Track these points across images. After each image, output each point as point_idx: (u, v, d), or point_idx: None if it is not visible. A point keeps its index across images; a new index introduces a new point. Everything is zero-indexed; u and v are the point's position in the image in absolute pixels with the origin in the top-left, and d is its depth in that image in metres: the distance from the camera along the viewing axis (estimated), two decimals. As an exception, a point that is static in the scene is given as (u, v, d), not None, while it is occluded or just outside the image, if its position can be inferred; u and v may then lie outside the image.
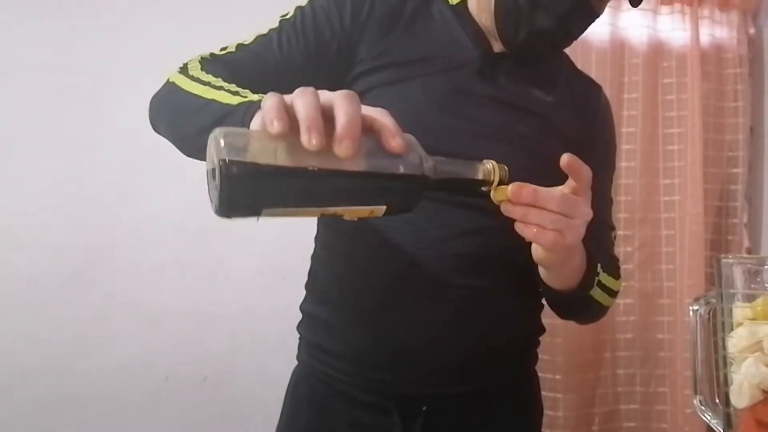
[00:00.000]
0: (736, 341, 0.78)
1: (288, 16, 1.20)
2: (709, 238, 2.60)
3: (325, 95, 0.70)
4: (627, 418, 2.59)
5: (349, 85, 1.16)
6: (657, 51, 2.62)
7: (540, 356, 2.52)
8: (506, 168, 0.84)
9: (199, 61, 1.13)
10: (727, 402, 0.80)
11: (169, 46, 2.59)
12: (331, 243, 1.25)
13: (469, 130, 1.15)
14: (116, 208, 2.47)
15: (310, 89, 0.70)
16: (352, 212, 0.76)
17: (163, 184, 2.50)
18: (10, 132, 2.48)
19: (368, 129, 0.72)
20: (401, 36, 1.19)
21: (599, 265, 1.13)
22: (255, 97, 0.91)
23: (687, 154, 2.56)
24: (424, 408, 1.16)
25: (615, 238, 1.33)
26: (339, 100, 0.69)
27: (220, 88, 0.99)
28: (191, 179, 2.52)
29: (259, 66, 1.15)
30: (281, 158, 0.67)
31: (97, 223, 2.46)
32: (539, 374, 2.38)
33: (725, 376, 0.80)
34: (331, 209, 0.73)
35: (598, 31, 2.57)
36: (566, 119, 1.23)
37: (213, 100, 0.96)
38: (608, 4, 1.21)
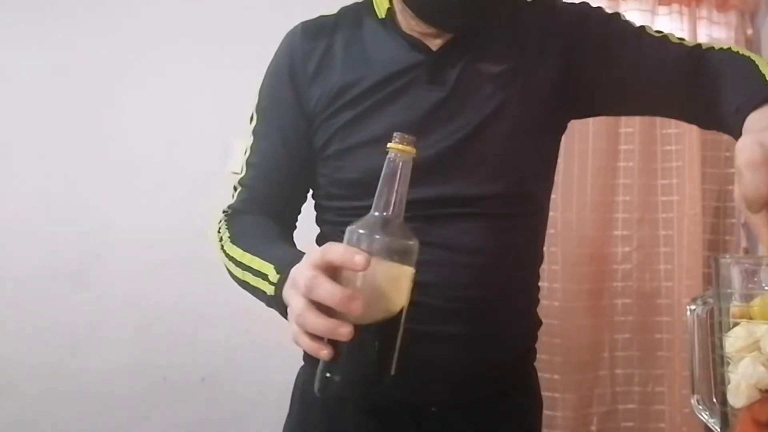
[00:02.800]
0: (733, 341, 0.78)
1: (253, 124, 1.29)
2: (707, 239, 2.60)
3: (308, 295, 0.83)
4: (625, 418, 2.59)
5: (316, 131, 1.22)
6: (655, 51, 2.61)
7: (538, 356, 2.53)
8: (403, 135, 0.88)
9: (226, 224, 1.21)
10: (724, 401, 0.79)
11: (167, 49, 2.60)
12: None
13: (433, 140, 1.16)
14: (112, 210, 2.48)
15: (297, 310, 0.85)
16: (407, 294, 0.87)
17: (158, 185, 2.51)
18: (5, 134, 2.48)
19: (334, 267, 0.83)
20: (344, 69, 1.21)
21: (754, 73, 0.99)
22: (266, 271, 1.03)
23: (685, 154, 2.56)
24: (433, 410, 1.17)
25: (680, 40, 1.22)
26: (312, 294, 0.83)
27: (245, 266, 1.09)
28: (187, 181, 2.53)
29: (274, 162, 1.26)
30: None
31: (94, 225, 2.46)
32: (537, 374, 2.38)
33: (722, 375, 0.80)
34: (399, 310, 0.86)
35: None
36: (523, 73, 1.20)
37: (253, 286, 1.07)
38: (606, 4, 1.21)
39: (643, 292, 2.59)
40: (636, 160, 2.58)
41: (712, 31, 2.66)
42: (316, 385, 0.87)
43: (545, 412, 2.50)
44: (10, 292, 2.41)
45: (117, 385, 2.41)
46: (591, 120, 2.53)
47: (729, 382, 0.78)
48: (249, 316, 2.44)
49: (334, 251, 0.83)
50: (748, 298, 0.79)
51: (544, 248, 2.39)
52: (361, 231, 0.85)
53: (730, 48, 1.11)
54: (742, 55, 1.07)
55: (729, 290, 0.80)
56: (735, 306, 0.80)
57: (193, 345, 2.47)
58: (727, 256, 0.80)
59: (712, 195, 2.64)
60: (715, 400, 0.84)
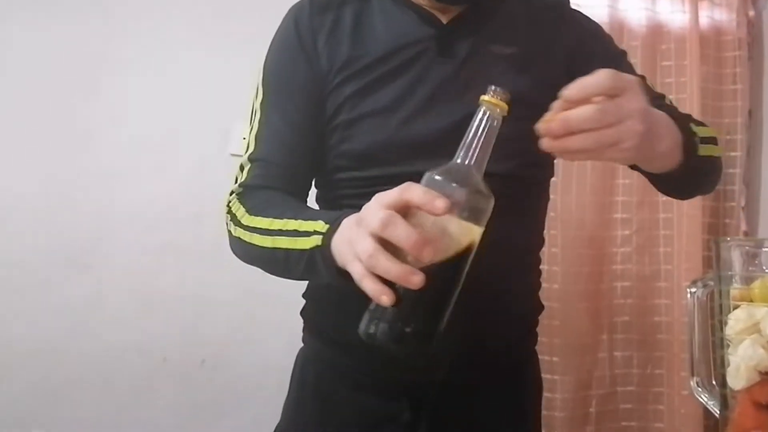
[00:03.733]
0: (733, 323, 0.78)
1: (259, 99, 1.26)
2: (706, 222, 2.60)
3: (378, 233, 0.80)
4: (624, 400, 2.60)
5: (326, 98, 1.21)
6: (656, 33, 2.61)
7: (538, 338, 2.53)
8: (498, 89, 0.86)
9: (239, 201, 1.17)
10: (723, 384, 0.80)
11: (166, 31, 2.59)
12: None
13: (442, 113, 1.15)
14: (112, 192, 2.47)
15: (362, 247, 0.81)
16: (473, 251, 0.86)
17: (158, 168, 2.50)
18: (5, 116, 2.47)
19: (407, 209, 0.81)
20: (353, 41, 1.20)
21: (689, 124, 1.10)
22: (311, 227, 0.99)
23: (685, 137, 2.55)
24: (432, 392, 1.17)
25: (671, 101, 1.30)
26: (386, 232, 0.80)
27: (279, 231, 1.05)
28: (187, 163, 2.52)
29: (289, 135, 1.23)
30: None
31: (93, 207, 2.46)
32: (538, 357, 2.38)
33: (722, 358, 0.80)
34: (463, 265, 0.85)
35: (597, 13, 2.55)
36: (534, 60, 1.22)
37: (287, 249, 1.02)
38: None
39: (643, 275, 2.59)
40: (636, 143, 2.57)
41: (714, 13, 2.65)
42: (362, 330, 0.85)
43: (545, 394, 2.52)
44: (10, 274, 2.41)
45: (117, 367, 2.41)
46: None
47: (729, 365, 0.79)
48: (249, 299, 2.44)
49: (415, 191, 0.80)
50: (748, 280, 0.80)
51: (545, 231, 2.39)
52: (438, 177, 0.83)
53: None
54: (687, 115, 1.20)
55: (730, 273, 0.80)
56: (735, 288, 0.80)
57: (193, 327, 2.47)
58: (728, 239, 0.80)
59: (713, 178, 2.64)
60: (714, 382, 0.85)
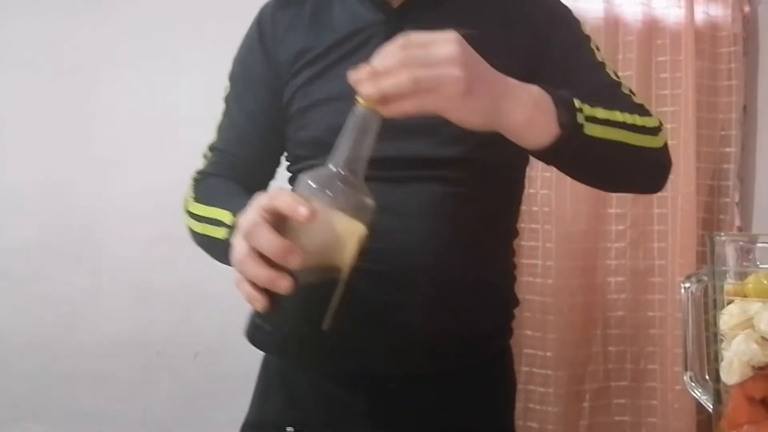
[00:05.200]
0: (727, 318, 0.78)
1: (226, 92, 1.32)
2: (700, 217, 2.60)
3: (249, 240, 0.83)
4: (617, 395, 2.61)
5: (284, 89, 1.23)
6: (651, 28, 2.61)
7: (531, 333, 2.55)
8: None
9: (192, 188, 1.24)
10: (717, 379, 0.80)
11: (163, 25, 2.58)
12: None
13: None
14: (106, 184, 2.47)
15: (240, 257, 0.84)
16: (352, 254, 0.85)
17: (154, 159, 2.50)
18: (0, 108, 2.46)
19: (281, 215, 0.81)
20: (309, 32, 1.21)
21: (580, 101, 0.99)
22: (222, 218, 1.06)
23: (680, 132, 2.55)
24: (392, 385, 1.15)
25: (630, 91, 1.23)
26: (250, 241, 0.82)
27: (205, 219, 1.12)
28: (182, 154, 2.51)
29: (246, 127, 1.28)
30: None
31: (87, 199, 2.46)
32: (530, 351, 2.39)
33: (716, 353, 0.80)
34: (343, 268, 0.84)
35: (592, 7, 2.56)
36: (490, 44, 1.15)
37: (209, 237, 1.10)
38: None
39: (637, 270, 2.60)
40: (631, 138, 2.57)
41: (709, 9, 2.64)
42: (246, 330, 0.87)
43: (537, 388, 2.53)
44: (3, 266, 2.41)
45: (111, 360, 2.41)
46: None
47: (722, 360, 0.79)
48: (243, 292, 2.44)
49: (281, 198, 0.81)
50: (742, 275, 0.80)
51: (539, 226, 2.38)
52: (311, 182, 0.82)
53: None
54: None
55: (723, 268, 0.80)
56: (729, 284, 0.80)
57: (187, 320, 2.47)
58: (723, 235, 0.80)
59: (707, 174, 2.64)
60: (707, 377, 0.85)
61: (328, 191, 0.81)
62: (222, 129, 1.31)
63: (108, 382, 2.42)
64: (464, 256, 1.15)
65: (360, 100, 0.83)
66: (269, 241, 0.80)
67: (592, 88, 1.09)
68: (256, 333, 0.91)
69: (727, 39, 2.65)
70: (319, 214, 0.79)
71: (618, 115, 1.05)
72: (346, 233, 0.83)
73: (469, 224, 1.16)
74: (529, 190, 2.53)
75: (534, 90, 0.93)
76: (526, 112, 0.91)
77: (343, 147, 0.83)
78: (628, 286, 2.60)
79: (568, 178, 2.55)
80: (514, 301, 1.31)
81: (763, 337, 0.75)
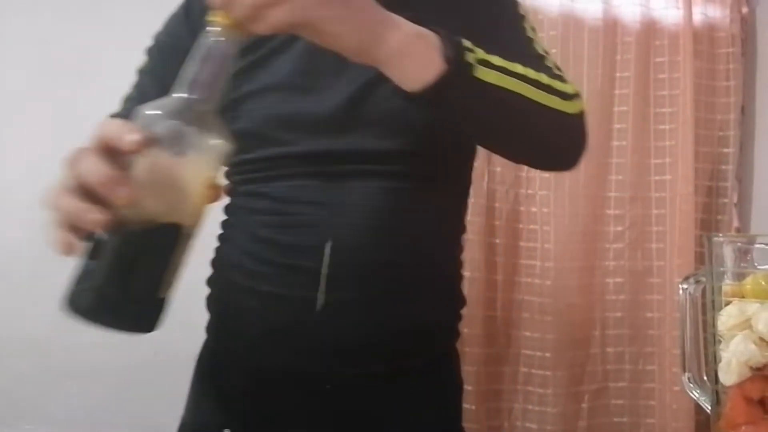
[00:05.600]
0: (725, 319, 0.78)
1: (140, 65, 1.25)
2: (699, 218, 2.60)
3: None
4: (615, 396, 2.60)
5: None
6: (650, 29, 2.61)
7: (529, 334, 2.55)
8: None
9: None
10: (715, 379, 0.80)
11: (157, 22, 2.58)
12: (232, 223, 1.23)
13: (332, 88, 1.09)
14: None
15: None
16: (201, 198, 0.73)
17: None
18: (-1, 107, 2.46)
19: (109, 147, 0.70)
20: None
21: (467, 41, 0.89)
22: None
23: (678, 133, 2.56)
24: (329, 386, 1.11)
25: (557, 67, 1.12)
26: (77, 166, 0.71)
27: None
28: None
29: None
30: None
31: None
32: (529, 352, 2.39)
33: (714, 353, 0.80)
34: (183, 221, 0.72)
35: (590, 8, 2.56)
36: (428, 25, 1.08)
37: None
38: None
39: (635, 270, 2.60)
40: (629, 138, 2.58)
41: (707, 10, 2.65)
42: (66, 296, 0.72)
43: (536, 389, 2.53)
44: (0, 266, 2.41)
45: (107, 360, 2.41)
46: (584, 97, 2.52)
47: (720, 360, 0.79)
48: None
49: (109, 126, 0.70)
50: (740, 276, 0.80)
51: (537, 226, 2.37)
52: (151, 111, 0.69)
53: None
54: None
55: (722, 269, 0.80)
56: (727, 284, 0.80)
57: (185, 321, 2.46)
58: (721, 235, 0.80)
59: (705, 174, 2.64)
60: (705, 377, 0.85)
61: (169, 121, 0.68)
62: (127, 99, 1.22)
63: (104, 383, 2.42)
64: (406, 254, 1.11)
65: (213, 19, 0.73)
66: (95, 167, 0.68)
67: (516, 55, 1.00)
68: (73, 298, 0.78)
69: (726, 40, 2.65)
70: (153, 145, 0.66)
71: (520, 68, 0.95)
72: (190, 175, 0.70)
73: (412, 220, 1.12)
74: (527, 191, 2.55)
75: (415, 25, 0.86)
76: (405, 39, 0.84)
77: (192, 72, 0.72)
78: (627, 287, 2.60)
79: (567, 179, 2.56)
80: (461, 300, 1.26)
81: (761, 338, 0.76)
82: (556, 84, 1.01)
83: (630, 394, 2.60)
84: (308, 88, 1.11)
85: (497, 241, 2.54)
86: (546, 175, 2.53)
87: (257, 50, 1.13)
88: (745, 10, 2.68)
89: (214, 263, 1.28)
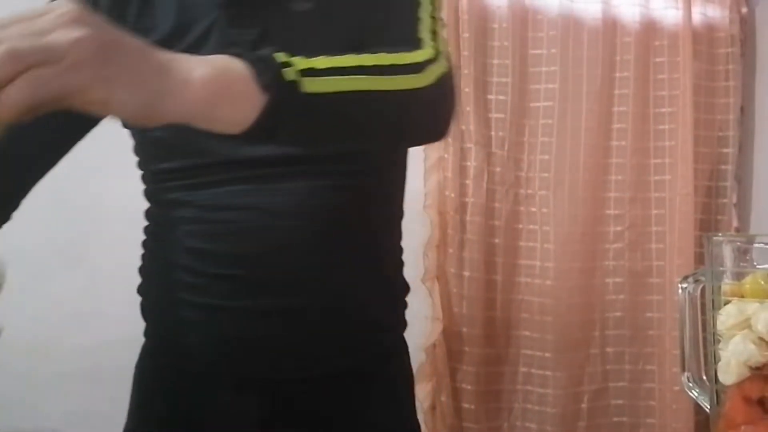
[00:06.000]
0: (724, 319, 0.78)
1: None
2: (698, 218, 2.61)
3: None
4: (615, 396, 2.61)
5: None
6: (649, 30, 2.61)
7: (529, 334, 2.55)
8: None
9: None
10: (714, 379, 0.80)
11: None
12: (157, 232, 1.20)
13: None
14: (103, 186, 2.46)
15: None
16: None
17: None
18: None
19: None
20: (140, 14, 1.04)
21: (280, 54, 0.76)
22: None
23: (678, 133, 2.56)
24: (274, 391, 1.09)
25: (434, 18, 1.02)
26: None
27: None
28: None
29: None
30: None
31: (84, 201, 2.45)
32: (529, 352, 2.39)
33: (713, 353, 0.80)
34: None
35: (590, 8, 2.56)
36: (333, 14, 1.02)
37: None
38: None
39: (635, 271, 2.60)
40: (629, 139, 2.58)
41: (707, 10, 2.65)
42: None
43: (536, 389, 2.53)
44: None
45: (108, 361, 2.40)
46: (584, 98, 2.53)
47: (719, 360, 0.79)
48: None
49: None
50: (739, 276, 0.80)
51: (537, 227, 2.36)
52: None
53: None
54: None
55: (721, 268, 0.80)
56: (727, 284, 0.80)
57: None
58: (720, 235, 0.80)
59: (705, 174, 2.65)
60: (705, 377, 0.85)
61: None
62: None
63: (104, 383, 2.41)
64: (341, 252, 1.07)
65: None
66: None
67: (392, 39, 0.93)
68: None
69: (725, 40, 2.65)
70: None
71: (353, 59, 0.83)
72: None
73: (345, 217, 1.07)
74: (527, 191, 2.55)
75: (212, 60, 0.72)
76: (205, 83, 0.69)
77: None
78: (627, 287, 2.60)
79: (566, 179, 2.56)
80: (404, 289, 1.22)
81: (760, 338, 0.76)
82: (403, 58, 0.88)
83: (630, 395, 2.61)
84: None
85: (497, 241, 2.54)
86: (545, 174, 2.53)
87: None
88: (744, 10, 2.68)
89: (143, 272, 1.24)
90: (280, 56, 0.75)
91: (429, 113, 0.95)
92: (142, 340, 1.30)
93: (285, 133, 0.77)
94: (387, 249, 1.18)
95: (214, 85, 0.69)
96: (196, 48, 0.98)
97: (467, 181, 2.52)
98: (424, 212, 2.54)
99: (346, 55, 0.82)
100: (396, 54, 0.88)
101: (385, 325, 1.18)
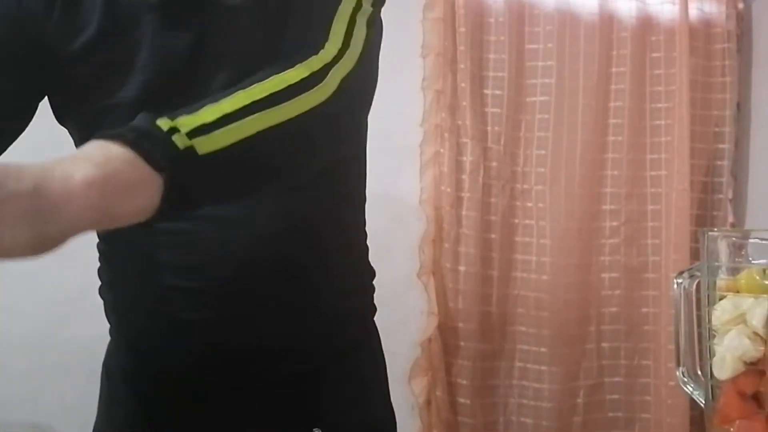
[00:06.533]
0: (719, 314, 0.79)
1: None
2: (694, 214, 2.61)
3: None
4: (611, 391, 2.61)
5: (46, 77, 1.03)
6: (645, 25, 2.61)
7: (525, 329, 2.55)
8: None
9: None
10: (710, 374, 0.80)
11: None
12: (110, 240, 1.17)
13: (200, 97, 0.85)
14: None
15: None
16: None
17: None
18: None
19: None
20: (61, 16, 0.97)
21: (162, 120, 0.70)
22: None
23: (674, 129, 2.56)
24: (244, 392, 1.08)
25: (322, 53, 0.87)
26: None
27: None
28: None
29: None
30: None
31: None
32: (525, 347, 2.39)
33: (708, 348, 0.80)
34: None
35: (587, 3, 2.56)
36: (267, 8, 0.97)
37: None
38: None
39: (631, 266, 2.60)
40: (625, 134, 2.58)
41: (704, 5, 2.65)
42: None
43: (532, 384, 2.54)
44: (-4, 262, 2.41)
45: (103, 355, 2.41)
46: (580, 93, 2.53)
47: (714, 355, 0.79)
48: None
49: None
50: (734, 271, 0.80)
51: (533, 222, 2.35)
52: None
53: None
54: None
55: (716, 264, 0.80)
56: (722, 279, 0.80)
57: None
58: (716, 230, 0.80)
59: (701, 170, 2.65)
60: (700, 372, 0.85)
61: None
62: None
63: (97, 379, 2.42)
64: (301, 254, 1.06)
65: None
66: None
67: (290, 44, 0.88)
68: None
69: (721, 36, 2.65)
70: None
71: (243, 97, 0.76)
72: None
73: (302, 221, 1.05)
74: (523, 186, 2.55)
75: (82, 153, 0.66)
76: (85, 187, 0.61)
77: None
78: (622, 282, 2.60)
79: (563, 175, 2.57)
80: (368, 275, 1.20)
81: (755, 333, 0.76)
82: (299, 74, 0.81)
83: (625, 390, 2.61)
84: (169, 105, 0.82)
85: (493, 236, 2.54)
86: (541, 169, 2.53)
87: (92, 59, 0.98)
88: (740, 5, 2.68)
89: (101, 276, 1.23)
90: (164, 123, 0.69)
91: (337, 125, 0.88)
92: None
93: (196, 202, 0.74)
94: (348, 243, 1.15)
95: (100, 185, 0.62)
96: (129, 55, 0.95)
97: (463, 176, 2.52)
98: (419, 207, 2.54)
99: (236, 94, 0.76)
100: (293, 70, 0.81)
101: (351, 319, 1.16)
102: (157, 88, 0.94)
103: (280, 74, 0.80)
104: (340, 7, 0.91)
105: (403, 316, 2.47)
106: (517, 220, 2.57)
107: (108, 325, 1.26)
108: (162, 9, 0.95)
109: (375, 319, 1.21)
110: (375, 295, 1.22)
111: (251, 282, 1.03)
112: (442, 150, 2.52)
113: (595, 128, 2.56)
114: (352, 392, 1.14)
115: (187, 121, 0.70)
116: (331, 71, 0.83)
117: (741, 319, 0.77)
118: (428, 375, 2.51)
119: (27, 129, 1.16)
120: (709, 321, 0.80)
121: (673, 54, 2.58)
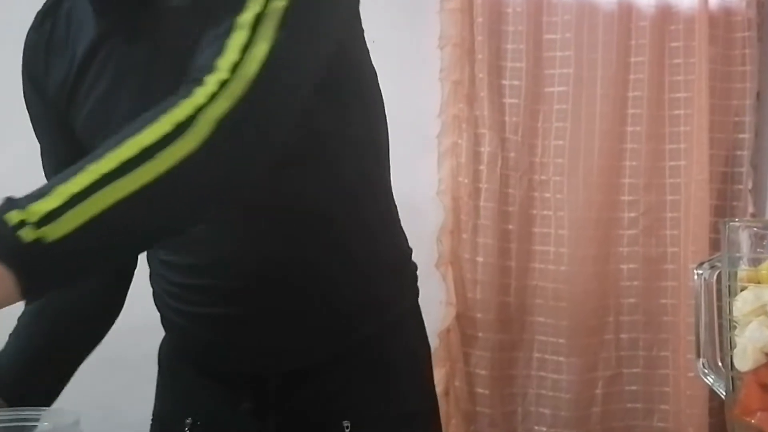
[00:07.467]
0: (740, 305, 0.78)
1: None
2: (714, 204, 2.59)
3: None
4: (629, 382, 2.61)
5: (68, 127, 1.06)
6: (665, 14, 2.59)
7: (544, 320, 2.56)
8: None
9: None
10: (730, 365, 0.80)
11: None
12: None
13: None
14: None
15: None
16: None
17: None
18: None
19: None
20: (57, 65, 1.03)
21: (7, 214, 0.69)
22: None
23: (693, 119, 2.54)
24: (273, 384, 1.11)
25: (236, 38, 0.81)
26: None
27: None
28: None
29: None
30: None
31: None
32: (543, 337, 2.39)
33: (729, 339, 0.80)
34: None
35: (605, -7, 2.55)
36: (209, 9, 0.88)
37: None
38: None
39: (649, 257, 2.59)
40: (644, 124, 2.56)
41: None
42: None
43: (550, 375, 2.53)
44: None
45: (122, 346, 2.41)
46: (598, 83, 2.52)
47: (735, 346, 0.79)
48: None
49: None
50: (756, 262, 0.80)
51: (551, 212, 2.33)
52: None
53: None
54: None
55: (737, 254, 0.80)
56: (743, 270, 0.80)
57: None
58: (737, 220, 0.80)
59: (720, 160, 2.63)
60: (720, 364, 0.85)
61: None
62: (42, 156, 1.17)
63: (120, 369, 2.43)
64: (311, 247, 1.06)
65: None
66: None
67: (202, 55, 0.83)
68: None
69: (741, 24, 2.62)
70: None
71: (95, 169, 0.71)
72: None
73: (322, 208, 1.05)
74: (541, 177, 2.54)
75: None
76: None
77: None
78: (641, 273, 2.59)
79: (581, 165, 2.56)
80: (399, 261, 1.20)
81: (776, 324, 0.75)
82: (152, 134, 0.73)
83: (644, 381, 2.60)
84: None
85: (511, 227, 2.54)
86: (559, 160, 2.52)
87: (80, 93, 1.00)
88: (761, -7, 2.66)
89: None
90: (14, 216, 0.68)
91: (220, 166, 0.78)
92: (156, 324, 1.34)
93: (58, 284, 0.74)
94: (368, 229, 1.13)
95: None
96: (102, 72, 0.97)
97: (481, 167, 2.52)
98: (437, 198, 2.54)
99: (88, 166, 0.71)
100: (150, 128, 0.74)
101: (374, 307, 1.15)
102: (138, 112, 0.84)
103: (134, 136, 0.73)
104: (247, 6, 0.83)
105: (421, 306, 2.48)
106: (535, 211, 2.57)
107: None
108: (121, 21, 0.96)
109: None
110: None
111: (265, 278, 1.05)
112: (459, 141, 2.52)
113: (613, 118, 2.55)
114: (381, 384, 1.14)
115: (37, 209, 0.68)
116: (205, 111, 0.74)
117: (762, 310, 0.77)
118: (446, 365, 2.51)
119: (26, 130, 1.19)
120: (730, 312, 0.80)
121: (693, 43, 2.55)
